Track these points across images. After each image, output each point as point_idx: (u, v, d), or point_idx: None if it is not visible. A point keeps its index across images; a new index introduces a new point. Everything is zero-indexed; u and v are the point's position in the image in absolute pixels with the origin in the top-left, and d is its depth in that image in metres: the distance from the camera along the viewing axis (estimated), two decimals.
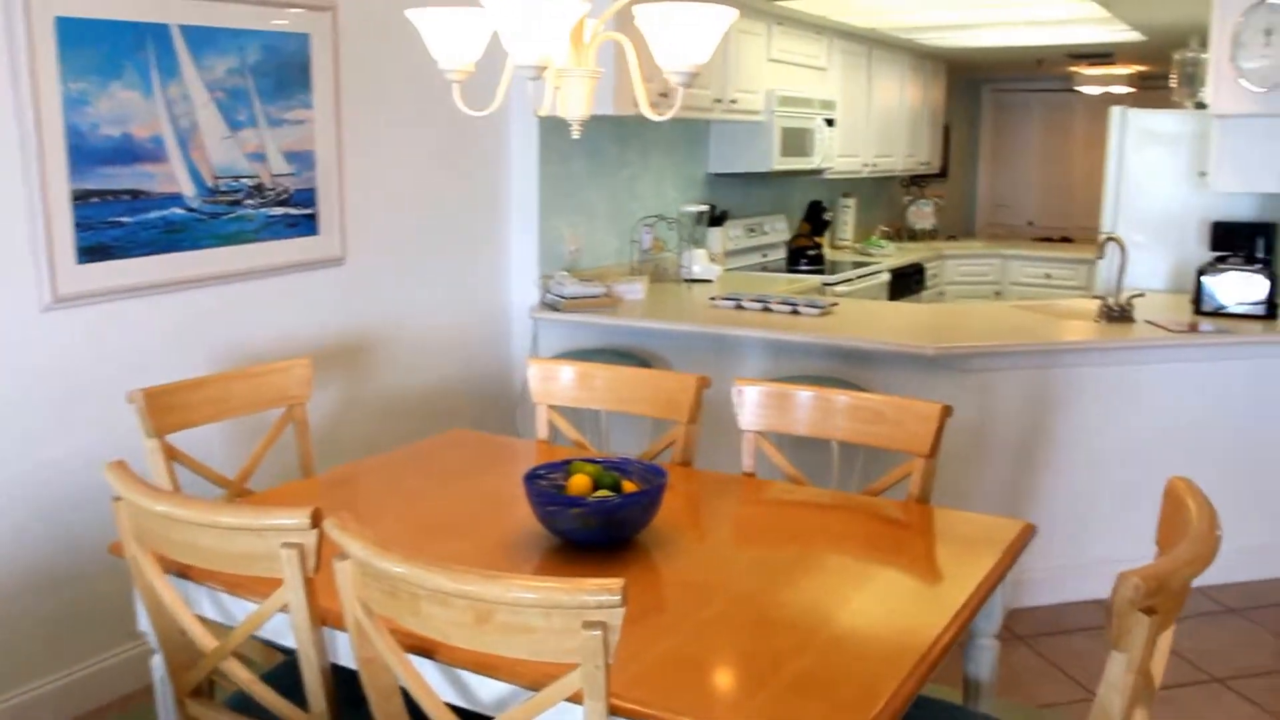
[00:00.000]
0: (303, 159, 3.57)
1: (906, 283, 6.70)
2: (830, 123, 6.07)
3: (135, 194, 3.09)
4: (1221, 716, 3.17)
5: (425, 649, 1.72)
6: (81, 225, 2.96)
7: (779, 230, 6.32)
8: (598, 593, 1.43)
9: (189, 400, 2.66)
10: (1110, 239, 4.37)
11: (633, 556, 2.12)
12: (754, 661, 1.73)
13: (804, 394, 2.73)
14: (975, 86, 9.41)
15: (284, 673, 2.15)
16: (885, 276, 6.37)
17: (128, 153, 3.05)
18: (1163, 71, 6.03)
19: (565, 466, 2.29)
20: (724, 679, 1.70)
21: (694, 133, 5.55)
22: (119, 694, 3.22)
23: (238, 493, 2.73)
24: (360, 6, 3.70)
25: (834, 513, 2.42)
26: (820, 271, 5.86)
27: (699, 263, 5.20)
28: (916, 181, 8.21)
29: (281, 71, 3.46)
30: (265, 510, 1.79)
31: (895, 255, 6.85)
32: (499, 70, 2.24)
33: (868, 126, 6.84)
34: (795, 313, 4.17)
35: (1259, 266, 4.21)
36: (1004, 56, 7.96)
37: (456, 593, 1.51)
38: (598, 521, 2.09)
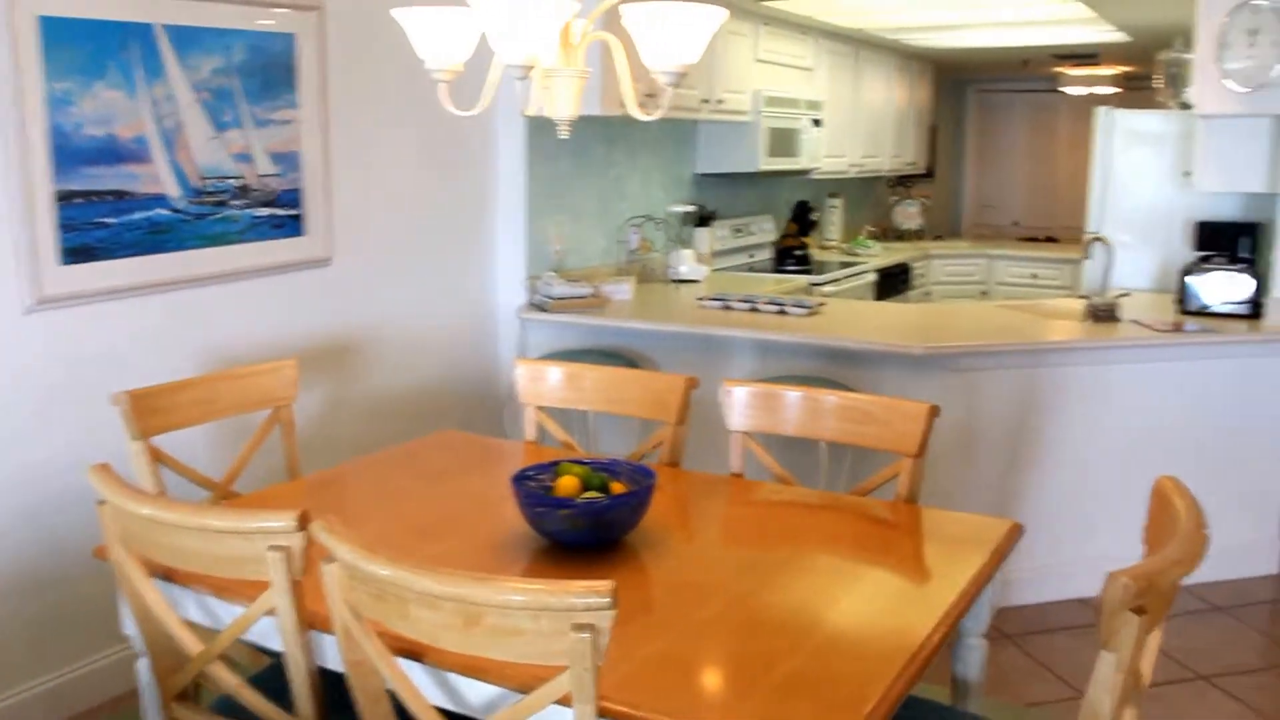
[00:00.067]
0: (288, 160, 3.55)
1: (893, 283, 6.71)
2: (817, 123, 6.08)
3: (120, 195, 3.07)
4: (1207, 714, 3.18)
5: (413, 652, 1.71)
6: (65, 226, 2.93)
7: (766, 230, 6.33)
8: (586, 595, 1.42)
9: (174, 402, 2.64)
10: (1096, 239, 4.39)
11: (621, 558, 2.12)
12: (744, 662, 1.72)
13: (792, 394, 2.73)
14: (961, 87, 9.45)
15: (271, 676, 2.14)
16: (872, 276, 6.38)
17: (112, 153, 3.03)
18: (1147, 72, 6.05)
19: (553, 467, 2.28)
20: (714, 680, 1.70)
21: (681, 133, 5.55)
22: (106, 697, 3.20)
23: (223, 495, 2.72)
24: (346, 6, 3.68)
25: (822, 513, 2.42)
26: (807, 272, 5.86)
27: (686, 263, 5.20)
28: (903, 182, 8.23)
29: (267, 72, 3.44)
30: (251, 513, 1.78)
31: (882, 255, 6.86)
32: (486, 70, 2.23)
33: (854, 127, 6.85)
34: (782, 313, 4.17)
35: (1243, 266, 4.23)
36: (990, 57, 8.00)
37: (445, 595, 1.50)
38: (586, 523, 2.09)
